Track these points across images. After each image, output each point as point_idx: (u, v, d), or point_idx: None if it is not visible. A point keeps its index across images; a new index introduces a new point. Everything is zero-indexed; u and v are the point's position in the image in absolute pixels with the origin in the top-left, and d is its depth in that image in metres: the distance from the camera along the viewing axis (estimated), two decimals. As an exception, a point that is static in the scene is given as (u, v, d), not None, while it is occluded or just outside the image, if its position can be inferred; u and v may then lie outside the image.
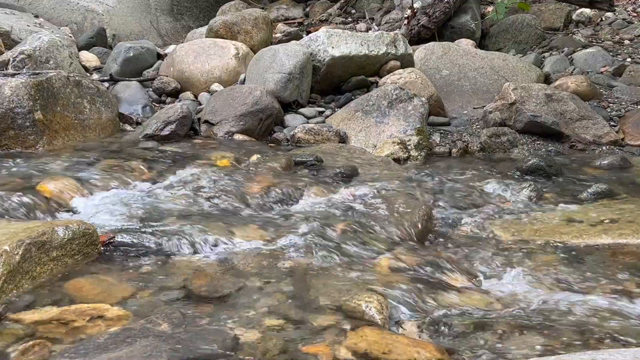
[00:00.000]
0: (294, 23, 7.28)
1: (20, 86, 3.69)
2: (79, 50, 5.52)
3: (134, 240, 2.55)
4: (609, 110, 4.76)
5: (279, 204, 3.09)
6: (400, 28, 6.05)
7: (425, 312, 2.20)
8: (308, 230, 2.73)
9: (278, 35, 6.17)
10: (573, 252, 2.75)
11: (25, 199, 2.79)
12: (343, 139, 4.20)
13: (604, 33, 6.37)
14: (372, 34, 4.98)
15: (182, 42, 5.67)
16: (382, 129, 4.19)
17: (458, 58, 5.19)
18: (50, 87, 3.84)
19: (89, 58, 5.47)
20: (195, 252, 2.55)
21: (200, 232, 2.64)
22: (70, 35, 6.13)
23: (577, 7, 6.74)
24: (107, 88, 4.59)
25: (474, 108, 4.78)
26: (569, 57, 5.72)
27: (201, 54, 4.96)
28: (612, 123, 4.58)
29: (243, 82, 4.78)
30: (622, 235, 2.85)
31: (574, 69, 5.46)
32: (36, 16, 6.44)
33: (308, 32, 6.13)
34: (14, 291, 2.12)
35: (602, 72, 5.43)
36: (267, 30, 5.58)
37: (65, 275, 2.27)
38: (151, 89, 4.91)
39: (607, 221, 3.00)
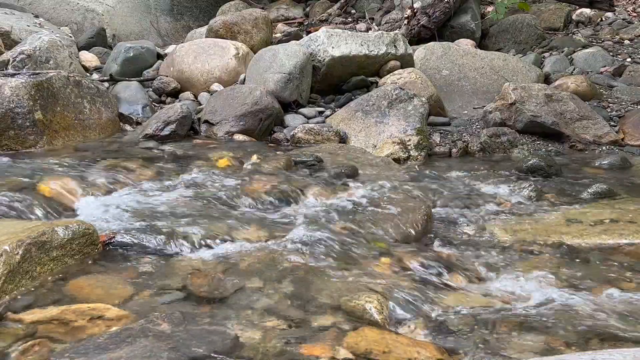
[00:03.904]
0: (294, 23, 7.28)
1: (20, 86, 3.69)
2: (79, 50, 5.52)
3: (134, 240, 2.55)
4: (609, 110, 4.76)
5: (279, 204, 3.09)
6: (400, 28, 6.05)
7: (425, 312, 2.20)
8: (308, 230, 2.73)
9: (278, 35, 6.18)
10: (573, 252, 2.75)
11: (26, 199, 2.79)
12: (343, 139, 4.20)
13: (604, 33, 6.37)
14: (372, 34, 4.98)
15: (182, 42, 5.67)
16: (382, 129, 4.19)
17: (458, 58, 5.19)
18: (50, 87, 3.84)
19: (89, 58, 5.47)
20: (195, 252, 2.55)
21: (200, 232, 2.64)
22: (70, 35, 6.13)
23: (577, 7, 6.74)
24: (107, 88, 4.59)
25: (474, 108, 4.78)
26: (569, 57, 5.73)
27: (201, 54, 4.96)
28: (612, 123, 4.58)
29: (243, 82, 4.78)
30: (622, 235, 2.85)
31: (574, 69, 5.46)
32: (36, 16, 6.44)
33: (308, 32, 6.12)
34: (14, 291, 2.12)
35: (602, 72, 5.43)
36: (267, 30, 5.58)
37: (65, 275, 2.27)
38: (151, 89, 4.91)
39: (607, 221, 3.00)
